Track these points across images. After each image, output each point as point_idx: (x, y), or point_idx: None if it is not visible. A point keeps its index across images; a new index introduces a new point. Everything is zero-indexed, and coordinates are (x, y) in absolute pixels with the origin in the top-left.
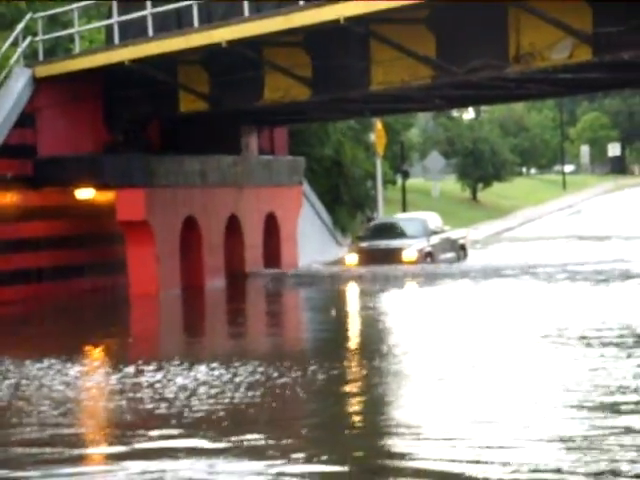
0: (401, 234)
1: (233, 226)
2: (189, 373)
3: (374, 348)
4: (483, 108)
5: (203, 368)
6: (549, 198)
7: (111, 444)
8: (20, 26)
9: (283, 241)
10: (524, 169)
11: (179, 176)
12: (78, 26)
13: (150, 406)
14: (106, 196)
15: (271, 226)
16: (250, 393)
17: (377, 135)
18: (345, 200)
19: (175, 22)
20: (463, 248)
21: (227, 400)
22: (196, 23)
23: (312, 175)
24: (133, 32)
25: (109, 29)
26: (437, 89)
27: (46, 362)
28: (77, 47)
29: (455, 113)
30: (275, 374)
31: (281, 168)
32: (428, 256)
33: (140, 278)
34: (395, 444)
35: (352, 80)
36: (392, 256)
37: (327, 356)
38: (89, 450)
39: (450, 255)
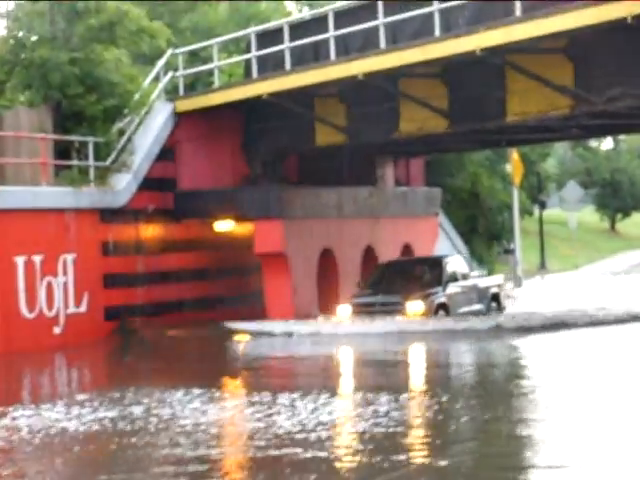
0: (409, 280)
1: (369, 257)
2: (327, 402)
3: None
4: (622, 137)
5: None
6: None
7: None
8: (161, 62)
9: None
10: None
11: (315, 208)
12: (218, 60)
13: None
14: (243, 228)
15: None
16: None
17: (513, 165)
18: (481, 231)
19: (312, 55)
20: (496, 298)
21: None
22: (333, 56)
23: (448, 206)
24: (271, 65)
25: (248, 63)
26: (575, 119)
27: (191, 391)
28: (217, 81)
29: (593, 143)
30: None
31: (417, 199)
32: (441, 308)
33: (277, 309)
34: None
35: (488, 111)
36: (394, 308)
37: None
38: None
39: (475, 307)
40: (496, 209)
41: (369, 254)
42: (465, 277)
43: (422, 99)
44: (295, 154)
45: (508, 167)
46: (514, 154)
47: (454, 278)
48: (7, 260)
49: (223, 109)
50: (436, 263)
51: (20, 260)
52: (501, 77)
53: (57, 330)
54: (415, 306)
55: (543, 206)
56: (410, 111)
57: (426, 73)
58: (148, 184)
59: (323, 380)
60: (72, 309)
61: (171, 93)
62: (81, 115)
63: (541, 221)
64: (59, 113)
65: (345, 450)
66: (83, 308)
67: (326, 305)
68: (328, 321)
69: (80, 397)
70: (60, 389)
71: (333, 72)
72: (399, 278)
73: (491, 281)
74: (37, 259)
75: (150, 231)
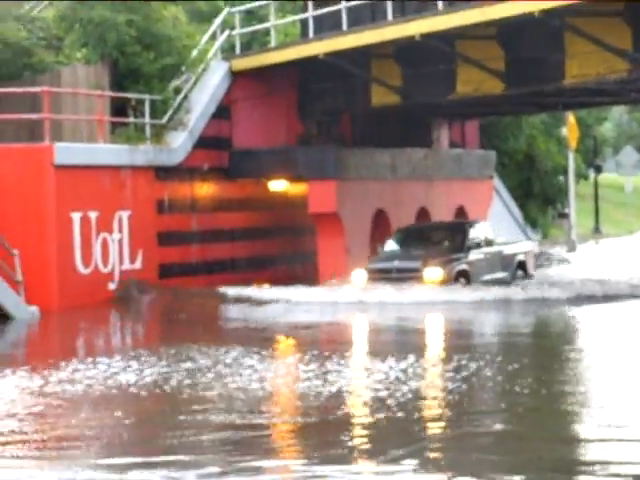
0: (429, 246)
1: (423, 219)
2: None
3: None
4: None
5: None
6: None
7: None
8: (218, 20)
9: None
10: None
11: (370, 169)
12: (274, 20)
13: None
14: (297, 188)
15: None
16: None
17: (569, 129)
18: (536, 194)
19: (369, 15)
20: (522, 266)
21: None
22: (390, 17)
23: (503, 169)
24: (328, 26)
25: (304, 23)
26: (633, 82)
27: (240, 350)
28: (273, 41)
29: None
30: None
31: (472, 162)
32: (461, 275)
33: (330, 269)
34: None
35: (546, 73)
36: (411, 274)
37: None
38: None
39: (499, 275)
40: (551, 172)
41: (423, 216)
42: (490, 243)
43: (479, 61)
44: (350, 114)
45: (564, 130)
46: (570, 117)
47: (477, 244)
48: (64, 216)
49: (279, 69)
50: (458, 228)
51: (76, 216)
52: (559, 39)
53: (112, 286)
54: (433, 273)
55: (599, 170)
56: (466, 73)
57: (483, 34)
58: (203, 142)
59: (368, 345)
60: (127, 265)
61: (227, 52)
62: (138, 73)
63: (596, 185)
64: (116, 71)
65: (400, 410)
66: (138, 265)
67: None
68: (344, 287)
69: (135, 352)
70: (116, 344)
71: (390, 32)
72: (419, 243)
73: (518, 248)
74: (93, 215)
75: (204, 190)
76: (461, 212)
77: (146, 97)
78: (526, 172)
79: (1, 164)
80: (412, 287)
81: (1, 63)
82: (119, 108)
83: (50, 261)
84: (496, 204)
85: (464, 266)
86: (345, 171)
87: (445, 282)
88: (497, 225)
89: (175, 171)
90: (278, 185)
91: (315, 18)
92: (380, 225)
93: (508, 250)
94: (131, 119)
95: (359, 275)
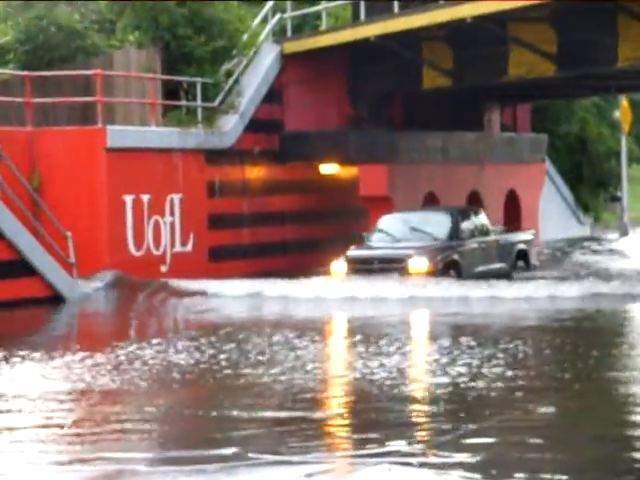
0: (415, 235)
1: (474, 203)
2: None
3: None
4: None
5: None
6: None
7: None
8: (269, 3)
9: (524, 218)
10: None
11: (421, 152)
12: (325, 3)
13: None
14: (348, 171)
15: (512, 203)
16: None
17: (622, 112)
18: (588, 178)
19: None
20: (523, 256)
21: None
22: None
23: (554, 152)
24: (379, 8)
25: (355, 6)
26: None
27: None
28: (324, 24)
29: None
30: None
31: (523, 145)
32: (450, 266)
33: None
34: None
35: (599, 56)
36: (395, 265)
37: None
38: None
39: (496, 266)
40: (604, 156)
41: (474, 199)
42: (486, 232)
43: (531, 43)
44: (401, 97)
45: (617, 114)
46: (623, 101)
47: (471, 233)
48: (116, 199)
49: (329, 52)
50: (449, 215)
51: (128, 199)
52: (613, 22)
53: (164, 268)
54: (418, 263)
55: None
56: (519, 55)
57: (536, 16)
58: (254, 126)
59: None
60: (178, 248)
61: (278, 35)
62: (189, 56)
63: None
64: (168, 54)
65: (443, 394)
66: (189, 247)
67: None
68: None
69: (191, 334)
70: (170, 325)
71: (441, 15)
72: (406, 231)
73: (517, 237)
74: (145, 198)
75: (255, 173)
76: (512, 195)
77: (198, 80)
78: (578, 156)
79: (54, 147)
80: (388, 280)
81: (54, 46)
82: (171, 91)
83: (102, 243)
84: (548, 188)
85: (454, 256)
86: (396, 154)
87: (431, 273)
88: (548, 208)
89: (226, 154)
90: (329, 168)
91: (366, 1)
92: None
93: (505, 239)
94: (183, 102)
95: (339, 266)
